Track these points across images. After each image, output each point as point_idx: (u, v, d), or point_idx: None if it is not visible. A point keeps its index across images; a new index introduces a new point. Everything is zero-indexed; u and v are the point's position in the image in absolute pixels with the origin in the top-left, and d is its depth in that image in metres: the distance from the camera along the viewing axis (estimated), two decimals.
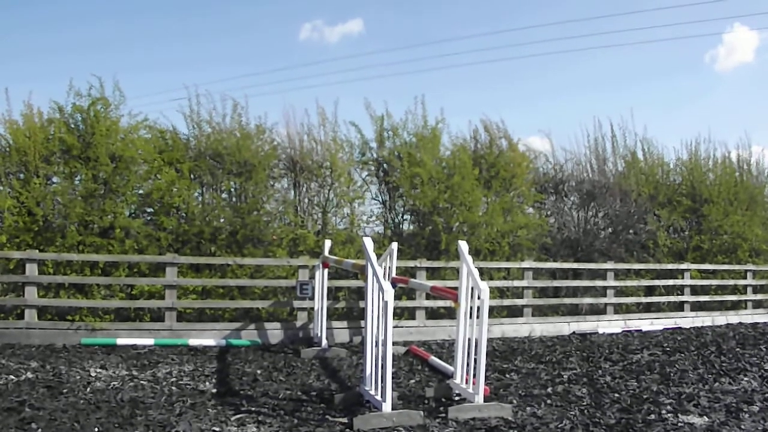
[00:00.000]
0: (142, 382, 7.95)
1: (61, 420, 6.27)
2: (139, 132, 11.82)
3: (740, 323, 14.28)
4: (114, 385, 7.75)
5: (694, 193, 15.25)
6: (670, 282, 14.32)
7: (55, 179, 11.44)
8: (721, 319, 14.19)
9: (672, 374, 8.89)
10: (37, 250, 10.64)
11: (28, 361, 8.88)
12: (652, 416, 6.80)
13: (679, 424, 6.50)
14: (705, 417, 6.82)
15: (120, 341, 10.23)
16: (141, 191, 11.76)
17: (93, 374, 8.26)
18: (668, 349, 10.95)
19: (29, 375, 8.11)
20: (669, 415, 6.87)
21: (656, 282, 14.34)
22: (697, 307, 14.48)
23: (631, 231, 14.96)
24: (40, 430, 5.95)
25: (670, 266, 14.29)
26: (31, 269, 10.40)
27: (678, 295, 14.43)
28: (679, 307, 14.32)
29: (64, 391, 7.37)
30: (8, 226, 10.75)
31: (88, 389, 7.49)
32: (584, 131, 19.47)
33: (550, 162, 14.98)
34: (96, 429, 6.02)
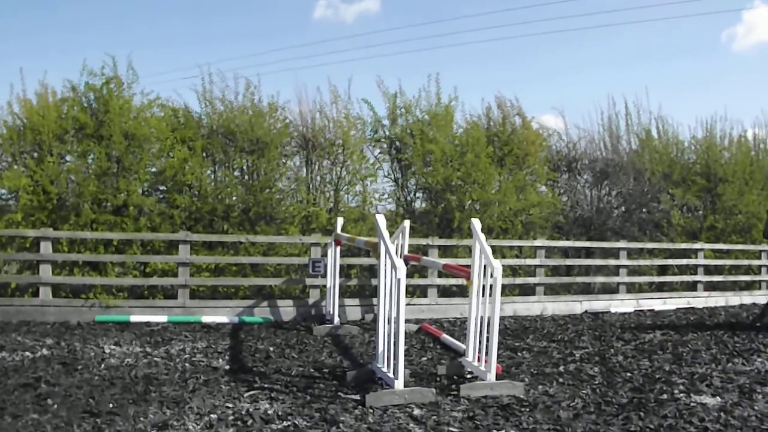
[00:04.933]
0: (155, 358, 8.00)
1: (76, 396, 6.32)
2: (151, 110, 11.83)
3: (754, 303, 14.18)
4: (128, 361, 7.80)
5: (708, 172, 15.15)
6: (684, 261, 14.24)
7: (68, 158, 11.50)
8: (734, 299, 14.12)
9: (684, 354, 8.86)
10: (51, 229, 10.71)
11: (44, 338, 8.95)
12: (665, 396, 6.79)
13: (692, 404, 6.48)
14: (718, 397, 6.79)
15: (133, 318, 10.30)
16: (154, 169, 11.80)
17: (107, 351, 8.32)
18: (681, 328, 10.92)
19: (45, 351, 8.18)
20: (681, 395, 6.85)
21: (669, 261, 14.28)
22: (711, 287, 14.41)
23: (644, 210, 14.89)
24: (55, 405, 6.00)
25: (683, 246, 14.22)
26: (46, 247, 10.47)
27: (691, 274, 14.35)
28: (692, 286, 14.25)
29: (79, 367, 7.42)
30: (23, 204, 10.81)
31: (103, 366, 7.55)
32: (598, 109, 19.38)
33: (563, 140, 14.92)
34: (110, 405, 6.06)
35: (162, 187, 11.87)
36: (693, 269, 14.34)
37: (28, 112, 11.18)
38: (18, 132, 11.17)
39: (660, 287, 14.27)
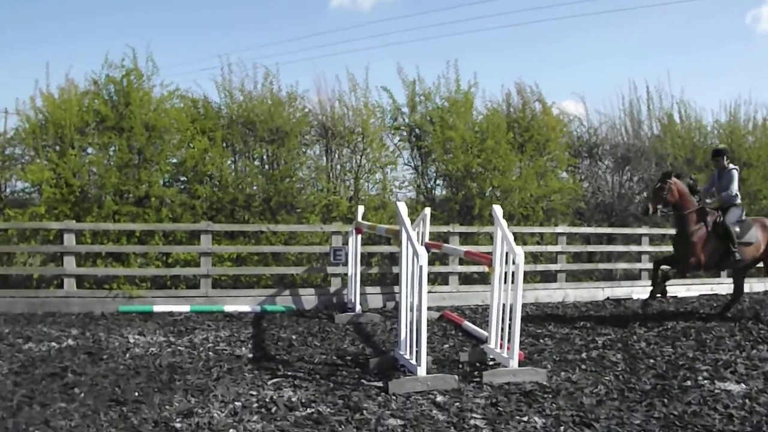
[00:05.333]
0: (179, 347, 8.06)
1: (103, 385, 6.39)
2: (171, 101, 11.87)
3: None
4: (152, 351, 7.87)
5: (732, 157, 14.92)
6: None
7: (90, 150, 11.56)
8: (758, 285, 13.96)
9: (708, 341, 8.81)
10: (74, 221, 10.80)
11: (69, 329, 9.05)
12: (689, 383, 6.76)
13: (716, 391, 6.46)
14: (742, 384, 6.76)
15: (157, 308, 10.38)
16: (174, 160, 11.84)
17: (131, 341, 8.40)
18: (704, 315, 10.85)
19: (70, 342, 8.27)
20: (705, 381, 6.82)
21: None
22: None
23: None
24: (82, 394, 6.07)
25: None
26: (69, 239, 10.55)
27: None
28: (715, 273, 14.13)
29: (104, 357, 7.50)
30: (46, 197, 10.90)
31: (127, 355, 7.62)
32: (619, 94, 19.18)
33: (584, 125, 14.79)
34: (136, 393, 6.13)
35: (183, 178, 11.91)
36: None
37: (51, 106, 11.25)
38: (40, 126, 11.25)
39: None
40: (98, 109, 11.33)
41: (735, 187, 10.25)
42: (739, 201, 10.33)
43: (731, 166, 10.48)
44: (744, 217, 10.40)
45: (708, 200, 10.47)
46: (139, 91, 11.48)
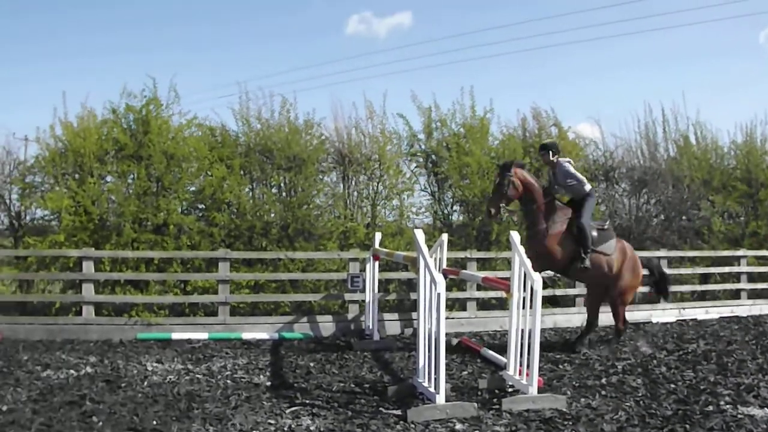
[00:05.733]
0: (197, 375, 8.07)
1: (121, 413, 6.40)
2: (189, 130, 11.98)
3: None
4: (170, 378, 7.88)
5: (749, 177, 14.90)
6: (726, 269, 14.00)
7: (109, 178, 11.68)
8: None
9: (730, 364, 8.72)
10: (93, 248, 10.87)
11: (87, 356, 9.07)
12: (710, 407, 6.70)
13: (739, 416, 6.39)
14: (766, 408, 6.69)
15: (175, 336, 10.38)
16: (193, 188, 11.94)
17: (150, 368, 8.41)
18: (725, 338, 10.76)
19: (88, 369, 8.29)
20: (728, 406, 6.75)
21: (711, 269, 14.05)
22: (755, 294, 14.11)
23: (684, 217, 14.71)
24: (100, 423, 6.08)
25: (725, 253, 14.00)
26: (88, 267, 10.61)
27: (734, 282, 14.10)
28: (735, 295, 14.01)
29: (123, 385, 7.52)
30: (66, 225, 11.00)
31: (146, 383, 7.63)
32: (634, 116, 19.18)
33: (600, 149, 14.78)
34: (154, 422, 6.13)
35: (201, 206, 12.00)
36: (736, 277, 14.10)
37: (70, 135, 11.40)
38: (60, 154, 11.39)
39: (702, 296, 14.03)
40: (117, 137, 11.47)
41: (579, 175, 9.45)
42: (588, 188, 9.47)
43: (562, 159, 9.62)
44: (607, 226, 9.62)
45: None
46: (158, 119, 11.61)
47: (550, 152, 9.53)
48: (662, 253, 13.29)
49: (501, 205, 9.05)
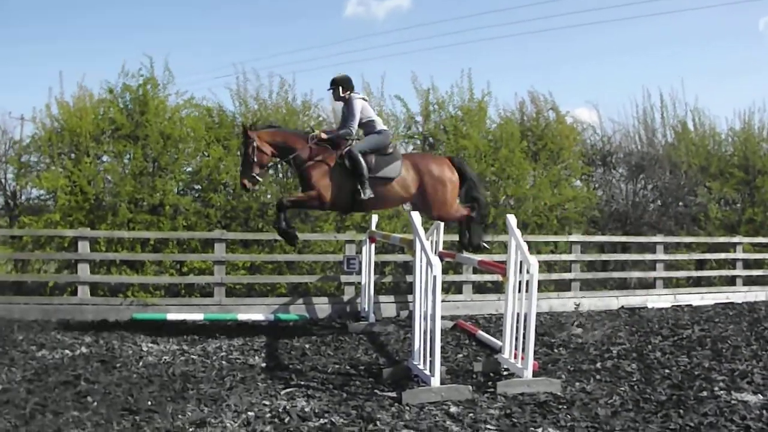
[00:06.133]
0: (192, 356, 8.08)
1: (116, 393, 6.41)
2: (186, 110, 11.93)
3: None
4: (165, 359, 7.89)
5: (747, 164, 14.89)
6: (722, 256, 14.01)
7: (105, 158, 11.64)
8: (762, 294, 13.86)
9: (724, 350, 8.75)
10: (89, 228, 10.86)
11: (82, 336, 9.07)
12: (705, 393, 6.71)
13: (733, 402, 6.41)
14: (759, 395, 6.70)
15: (170, 316, 10.37)
16: (189, 168, 11.91)
17: (145, 349, 8.41)
18: (720, 324, 10.78)
19: (83, 349, 8.30)
20: (722, 392, 6.77)
21: (707, 256, 14.06)
22: (750, 281, 14.16)
23: (681, 203, 14.73)
24: (95, 403, 6.08)
25: (721, 239, 14.01)
26: (84, 247, 10.59)
27: (730, 269, 14.12)
28: (731, 281, 14.04)
29: (118, 365, 7.53)
30: (61, 205, 10.97)
31: (141, 363, 7.64)
32: (633, 102, 19.21)
33: (597, 134, 14.81)
34: (149, 402, 6.14)
35: (197, 186, 11.96)
36: (732, 263, 14.12)
37: (66, 114, 11.34)
38: (56, 133, 11.34)
39: (698, 282, 14.07)
40: (114, 117, 11.43)
41: (354, 122, 8.61)
42: (381, 127, 8.82)
43: (354, 95, 8.74)
44: (391, 150, 8.76)
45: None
46: (155, 99, 11.55)
47: (341, 88, 8.76)
48: (659, 238, 13.30)
49: (254, 174, 8.38)
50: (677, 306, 12.67)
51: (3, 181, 11.86)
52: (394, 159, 8.65)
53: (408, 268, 11.47)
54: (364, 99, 8.88)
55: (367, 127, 8.81)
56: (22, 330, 9.28)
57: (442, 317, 6.90)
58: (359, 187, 8.37)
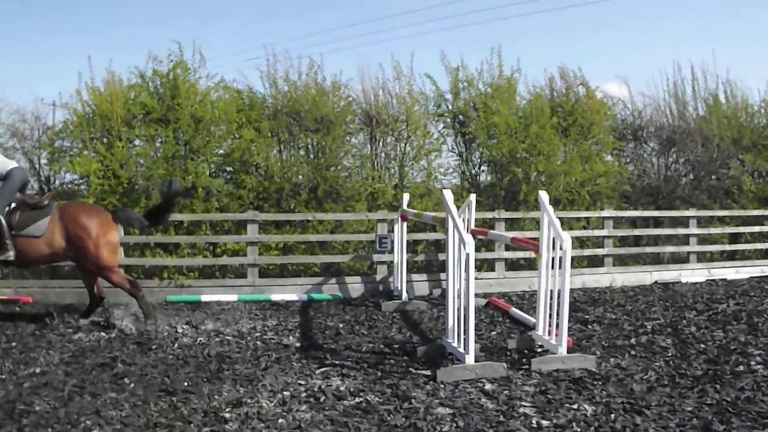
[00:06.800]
0: (227, 337, 8.15)
1: (152, 375, 6.50)
2: (217, 93, 11.97)
3: None
4: (200, 340, 7.97)
5: None
6: (756, 229, 13.84)
7: (137, 142, 11.71)
8: None
9: (760, 324, 8.67)
10: None
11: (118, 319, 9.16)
12: (741, 368, 6.67)
13: None
14: None
15: (204, 298, 10.49)
16: (221, 151, 11.96)
17: (180, 330, 8.50)
18: (755, 298, 10.69)
19: (119, 332, 8.38)
20: (759, 366, 6.72)
21: (741, 229, 13.91)
22: None
23: (713, 177, 14.54)
24: (132, 384, 6.17)
25: (755, 212, 13.84)
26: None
27: (765, 242, 13.96)
28: (765, 254, 13.87)
29: (153, 347, 7.62)
30: (95, 189, 11.06)
31: (176, 345, 7.73)
32: (663, 75, 18.93)
33: (628, 108, 14.62)
34: (185, 383, 6.22)
35: (229, 168, 12.02)
36: (766, 236, 13.96)
37: (97, 99, 11.42)
38: (87, 119, 11.42)
39: (732, 256, 13.91)
40: (144, 101, 11.46)
41: None
42: (12, 165, 8.24)
43: None
44: (46, 202, 8.29)
45: None
46: (186, 83, 11.59)
47: None
48: (691, 212, 13.18)
49: None
50: (711, 280, 12.57)
51: (37, 166, 11.99)
52: (43, 215, 8.17)
53: (440, 246, 11.51)
54: None
55: None
56: (58, 313, 9.32)
57: (475, 295, 6.89)
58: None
